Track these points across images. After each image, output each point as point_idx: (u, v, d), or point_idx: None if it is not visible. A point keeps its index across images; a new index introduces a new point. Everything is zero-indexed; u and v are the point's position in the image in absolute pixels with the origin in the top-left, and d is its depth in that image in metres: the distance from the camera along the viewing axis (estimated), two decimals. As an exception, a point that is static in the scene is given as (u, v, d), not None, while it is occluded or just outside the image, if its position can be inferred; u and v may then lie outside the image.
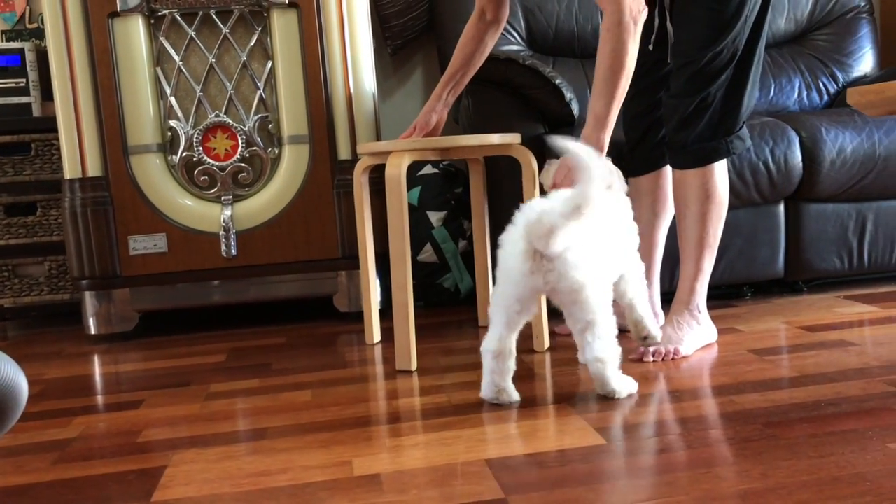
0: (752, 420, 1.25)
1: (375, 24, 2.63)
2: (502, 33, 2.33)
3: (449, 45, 2.44)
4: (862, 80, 2.60)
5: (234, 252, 2.17)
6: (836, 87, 2.62)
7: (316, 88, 2.16)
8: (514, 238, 1.36)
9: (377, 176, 2.04)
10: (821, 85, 2.61)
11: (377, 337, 1.98)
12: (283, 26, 2.14)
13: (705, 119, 1.60)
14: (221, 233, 2.16)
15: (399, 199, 1.62)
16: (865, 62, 2.66)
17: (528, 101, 2.02)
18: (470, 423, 1.33)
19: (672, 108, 1.67)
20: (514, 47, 2.46)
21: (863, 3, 2.71)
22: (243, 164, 2.18)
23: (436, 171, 2.41)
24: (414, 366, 1.69)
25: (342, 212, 2.19)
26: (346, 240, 2.20)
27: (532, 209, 1.35)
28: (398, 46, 2.69)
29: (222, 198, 2.18)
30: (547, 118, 2.05)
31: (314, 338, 2.10)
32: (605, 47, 1.50)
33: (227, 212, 2.17)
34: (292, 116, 2.17)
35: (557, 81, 1.99)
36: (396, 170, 1.63)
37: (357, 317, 2.16)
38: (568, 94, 2.01)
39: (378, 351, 1.90)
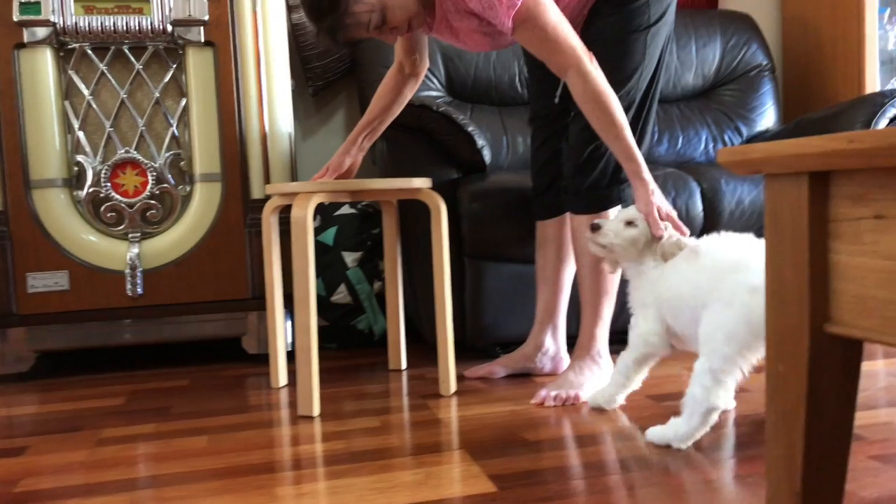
0: (648, 466, 1.27)
1: (297, 65, 2.64)
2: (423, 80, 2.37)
3: (369, 88, 2.46)
4: (763, 135, 2.73)
5: (140, 291, 2.12)
6: (740, 140, 2.74)
7: (230, 127, 2.14)
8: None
9: (289, 216, 2.03)
10: (726, 138, 2.73)
11: (283, 380, 1.95)
12: (198, 64, 2.12)
13: (599, 167, 1.66)
14: (127, 271, 2.10)
15: (304, 240, 1.61)
16: (768, 117, 2.79)
17: (441, 146, 2.05)
18: (365, 470, 1.32)
19: (569, 154, 1.72)
20: (434, 93, 2.50)
21: (766, 62, 2.85)
22: (153, 202, 2.13)
23: (353, 211, 2.41)
24: (316, 411, 1.66)
25: (253, 252, 2.16)
26: (256, 280, 2.17)
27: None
28: (320, 87, 2.69)
29: (129, 235, 2.12)
30: (460, 164, 2.08)
31: (219, 380, 2.05)
32: (590, 106, 1.56)
33: (135, 249, 2.11)
34: (205, 154, 2.14)
35: (469, 129, 2.02)
36: (303, 211, 1.62)
37: (266, 359, 2.12)
38: (480, 142, 2.04)
39: (283, 395, 1.86)
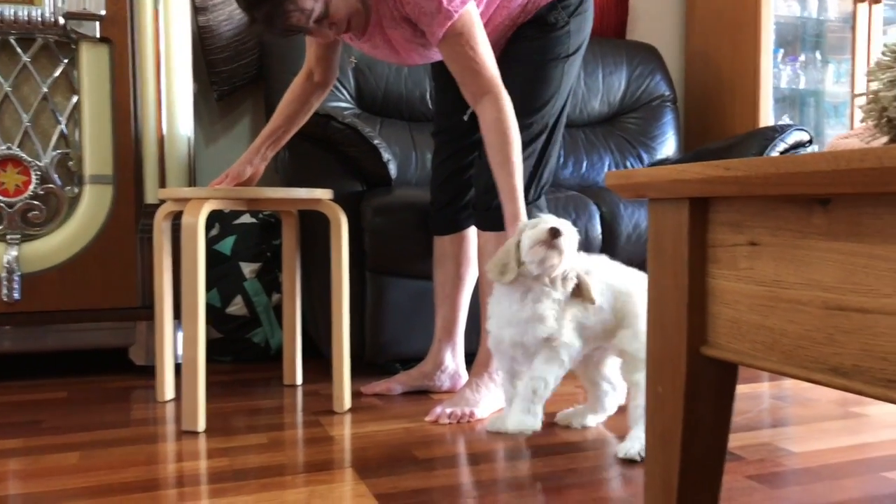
0: (535, 486, 1.27)
1: (202, 68, 2.56)
2: (332, 90, 2.34)
3: (277, 95, 2.40)
4: (665, 162, 2.82)
5: (16, 296, 1.99)
6: (641, 166, 2.82)
7: (124, 127, 2.05)
8: None
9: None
10: (628, 164, 2.80)
11: (170, 394, 1.86)
12: (92, 60, 2.03)
13: None
14: (3, 274, 1.97)
15: (194, 248, 1.55)
16: (668, 146, 2.89)
17: (346, 158, 2.02)
18: (248, 489, 1.26)
19: (480, 172, 1.72)
20: (343, 104, 2.47)
21: (668, 93, 2.96)
22: (35, 202, 2.01)
23: (254, 221, 2.34)
24: (202, 426, 1.59)
25: (145, 258, 2.07)
26: (146, 288, 2.07)
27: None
28: (225, 92, 2.62)
29: (8, 236, 1.99)
30: (365, 177, 2.05)
31: (101, 393, 1.94)
32: (496, 136, 1.55)
33: (13, 252, 1.99)
34: (96, 155, 2.04)
35: (375, 142, 2.00)
36: (194, 217, 1.56)
37: (154, 371, 2.03)
38: (386, 155, 2.02)
39: (169, 409, 1.78)
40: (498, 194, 1.60)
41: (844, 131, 3.13)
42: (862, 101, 0.76)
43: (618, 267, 1.52)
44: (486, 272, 1.52)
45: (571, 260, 1.42)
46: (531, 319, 1.44)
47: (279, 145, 1.85)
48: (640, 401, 1.43)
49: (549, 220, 1.43)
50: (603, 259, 1.53)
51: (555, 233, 1.40)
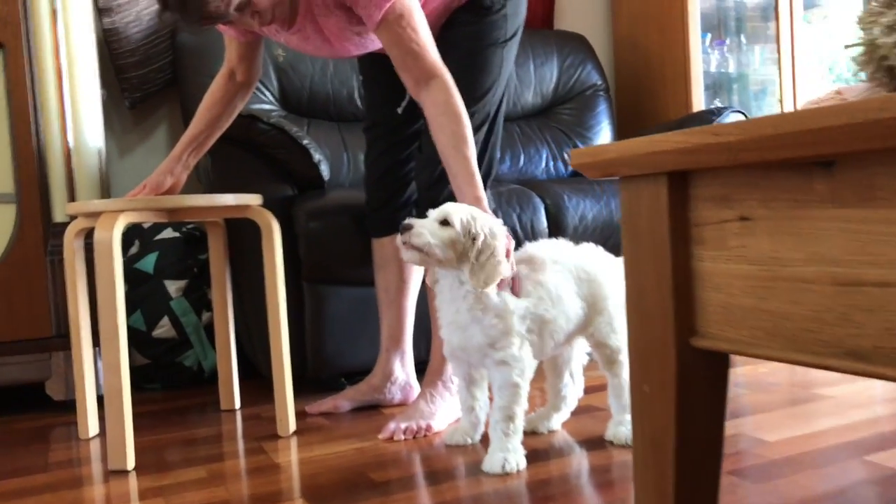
0: (507, 501, 1.16)
1: (110, 73, 2.38)
2: (254, 91, 2.19)
3: (193, 100, 2.24)
4: (602, 152, 2.77)
5: (-88, 334, 1.78)
6: (579, 157, 2.76)
7: (25, 140, 1.86)
8: None
9: (98, 241, 1.78)
10: (565, 156, 2.74)
11: (94, 430, 1.69)
12: (-17, 68, 1.83)
13: None
14: None
15: (110, 266, 1.39)
16: (604, 135, 2.84)
17: (274, 161, 1.88)
18: (186, 533, 1.12)
19: (422, 167, 1.62)
20: (266, 106, 2.32)
21: (600, 82, 2.91)
22: (-73, 228, 1.81)
23: (177, 234, 2.18)
24: (131, 464, 1.43)
25: (57, 282, 1.88)
26: (61, 315, 1.89)
27: None
28: (138, 99, 2.44)
29: None
30: (296, 180, 1.92)
31: (16, 434, 1.75)
32: (444, 119, 1.42)
33: None
34: (-5, 172, 1.85)
35: (305, 142, 1.87)
36: (108, 232, 1.40)
37: (75, 406, 1.85)
38: (316, 156, 1.90)
39: (94, 447, 1.61)
40: (445, 187, 1.50)
41: (773, 112, 3.15)
42: (853, 51, 0.69)
43: (582, 249, 1.43)
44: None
45: (437, 242, 1.28)
46: (465, 325, 1.34)
47: (201, 151, 1.70)
48: (626, 393, 1.38)
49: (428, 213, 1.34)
50: (563, 243, 1.43)
51: (402, 229, 1.30)
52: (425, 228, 1.29)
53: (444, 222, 1.30)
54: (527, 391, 1.33)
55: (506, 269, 1.30)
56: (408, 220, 1.30)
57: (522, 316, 1.32)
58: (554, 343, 1.38)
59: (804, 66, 3.14)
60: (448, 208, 1.33)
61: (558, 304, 1.35)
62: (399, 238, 1.30)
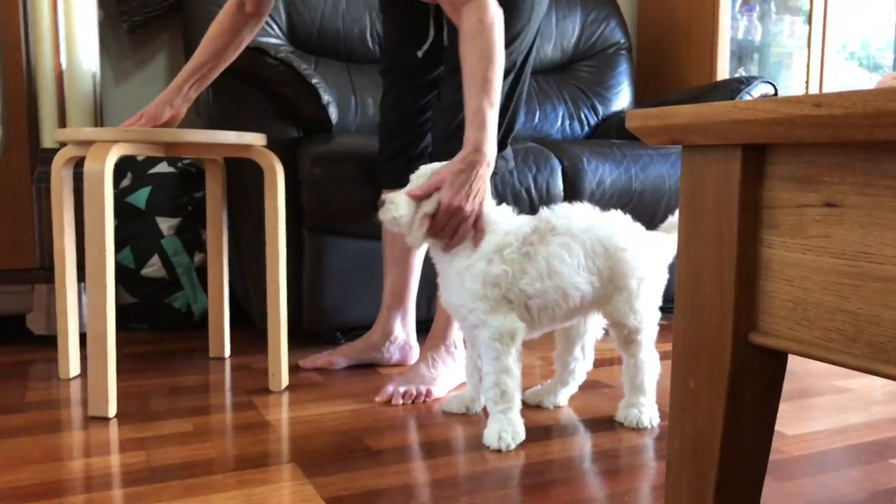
0: (505, 484, 1.09)
1: (108, -6, 2.24)
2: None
3: (197, 28, 2.11)
4: (619, 114, 2.65)
5: None
6: (596, 118, 2.65)
7: (14, 59, 1.73)
8: None
9: (88, 172, 1.67)
10: (582, 116, 2.63)
11: (75, 370, 1.61)
12: (-28, -25, 1.70)
13: None
14: None
15: (100, 200, 1.29)
16: (623, 97, 2.72)
17: (279, 99, 1.76)
18: (168, 492, 1.05)
19: (440, 116, 1.51)
20: (273, 40, 2.19)
21: (623, 41, 2.78)
22: None
23: (172, 170, 2.07)
24: (112, 411, 1.35)
25: (43, 212, 1.78)
26: (46, 247, 1.79)
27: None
28: (137, 23, 2.30)
29: None
30: (301, 121, 1.80)
31: (-8, 369, 1.67)
32: (474, 46, 1.30)
33: None
34: (-20, 89, 1.73)
35: (314, 81, 1.75)
36: (99, 164, 1.29)
37: (56, 341, 1.76)
38: (326, 97, 1.78)
39: (73, 388, 1.53)
40: (461, 139, 1.39)
41: (800, 86, 3.04)
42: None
43: (606, 218, 1.30)
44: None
45: (408, 216, 1.27)
46: (448, 281, 1.29)
47: (204, 84, 1.59)
48: (645, 375, 1.33)
49: (411, 180, 1.31)
50: (583, 209, 1.32)
51: (378, 203, 1.29)
52: (393, 203, 1.27)
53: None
54: (514, 360, 1.24)
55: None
56: (385, 195, 1.29)
57: (493, 283, 1.23)
58: (549, 318, 1.29)
59: (833, 42, 3.02)
60: (421, 173, 1.29)
61: (550, 278, 1.24)
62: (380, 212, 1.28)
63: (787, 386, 1.59)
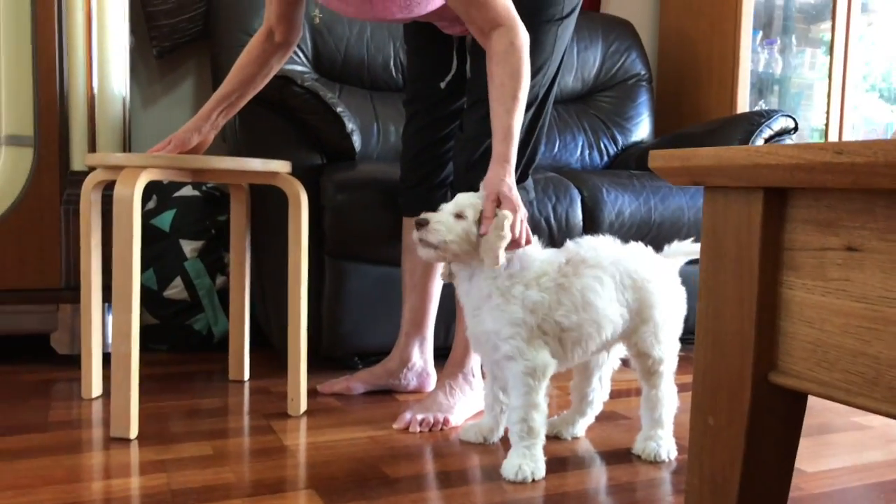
0: (522, 514, 1.10)
1: (140, 20, 2.29)
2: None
3: (225, 54, 2.16)
4: (639, 145, 2.67)
5: (-83, 273, 1.71)
6: (615, 149, 2.67)
7: (48, 83, 1.78)
8: None
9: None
10: (602, 145, 2.64)
11: (97, 390, 1.63)
12: (10, 4, 1.75)
13: None
14: None
15: (128, 224, 1.32)
16: (643, 128, 2.74)
17: (304, 127, 1.80)
18: (188, 517, 1.06)
19: (462, 147, 1.53)
20: (299, 68, 2.23)
21: (643, 72, 2.80)
22: (-59, 165, 1.73)
23: (196, 193, 2.10)
24: (133, 433, 1.37)
25: (70, 233, 1.81)
26: (72, 267, 1.82)
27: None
28: (166, 49, 2.35)
29: None
30: (325, 148, 1.83)
31: (17, 387, 1.69)
32: (505, 67, 1.34)
33: (-88, 222, 1.71)
34: (14, 113, 1.77)
35: (339, 109, 1.78)
36: (129, 189, 1.32)
37: (80, 361, 1.79)
38: (349, 125, 1.81)
39: (96, 408, 1.55)
40: (483, 170, 1.40)
41: (820, 118, 3.04)
42: None
43: (630, 251, 1.31)
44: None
45: (453, 238, 1.23)
46: (478, 308, 1.27)
47: (232, 112, 1.62)
48: (664, 408, 1.33)
49: (442, 207, 1.28)
50: (608, 242, 1.33)
51: (417, 225, 1.24)
52: (441, 224, 1.23)
53: (459, 216, 1.24)
54: (542, 395, 1.24)
55: (506, 240, 1.23)
56: (423, 215, 1.24)
57: (531, 309, 1.23)
58: (582, 351, 1.29)
59: (854, 74, 3.02)
60: (462, 200, 1.27)
61: (585, 310, 1.25)
62: (415, 234, 1.25)
63: (806, 421, 1.58)
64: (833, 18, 2.97)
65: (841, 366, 0.65)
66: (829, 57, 2.99)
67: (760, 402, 0.72)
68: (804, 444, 1.43)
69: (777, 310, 0.71)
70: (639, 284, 1.27)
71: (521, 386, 1.23)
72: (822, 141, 3.03)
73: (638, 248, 1.32)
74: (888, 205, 0.61)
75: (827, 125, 3.03)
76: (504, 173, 1.30)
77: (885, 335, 0.62)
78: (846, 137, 3.05)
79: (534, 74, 1.49)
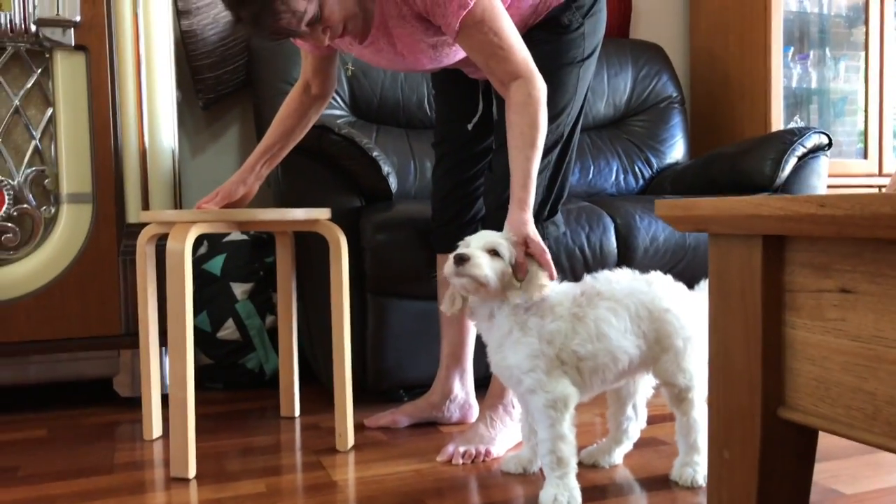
0: (560, 544, 1.14)
1: (186, 75, 2.42)
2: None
3: (266, 103, 2.27)
4: (674, 167, 2.69)
5: (-10, 326, 1.84)
6: (650, 171, 2.70)
7: (104, 141, 1.90)
8: None
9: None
10: (636, 169, 2.67)
11: (157, 431, 1.72)
12: (67, 70, 1.88)
13: None
14: (-25, 303, 1.83)
15: (181, 276, 1.41)
16: (677, 150, 2.76)
17: (343, 172, 1.88)
18: (245, 553, 1.13)
19: (491, 187, 1.59)
20: (337, 112, 2.33)
21: (676, 94, 2.83)
22: (9, 224, 1.86)
23: (244, 237, 2.20)
24: (192, 473, 1.45)
25: (128, 282, 1.92)
26: (131, 314, 1.93)
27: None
28: (211, 101, 2.48)
29: (-20, 262, 1.85)
30: (363, 191, 1.91)
31: (83, 430, 1.80)
32: (523, 117, 1.41)
33: (-15, 278, 1.84)
34: (74, 171, 1.89)
35: (374, 154, 1.86)
36: (180, 244, 1.41)
37: (141, 402, 1.89)
38: (385, 168, 1.89)
39: (157, 449, 1.64)
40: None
41: (859, 130, 3.02)
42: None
43: (649, 281, 1.35)
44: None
45: (492, 274, 1.28)
46: (500, 344, 1.32)
47: (275, 162, 1.71)
48: (698, 434, 1.36)
49: (469, 243, 1.31)
50: (626, 274, 1.38)
51: (457, 259, 1.28)
52: (482, 260, 1.28)
53: (493, 252, 1.29)
54: (568, 426, 1.27)
55: (545, 280, 1.30)
56: (462, 251, 1.29)
57: (549, 340, 1.28)
58: (601, 381, 1.33)
59: (891, 85, 3.00)
60: (491, 239, 1.32)
61: (600, 340, 1.29)
62: (452, 267, 1.28)
63: (844, 443, 1.58)
64: (866, 24, 2.96)
65: (842, 402, 0.69)
66: (864, 69, 2.97)
67: (771, 436, 0.75)
68: (843, 466, 1.44)
69: (782, 348, 0.75)
70: (656, 315, 1.31)
71: (545, 419, 1.27)
72: (863, 147, 3.02)
73: (657, 278, 1.36)
74: (876, 249, 0.65)
75: (866, 134, 3.01)
76: (527, 217, 1.37)
77: (879, 373, 0.65)
78: (887, 144, 3.02)
79: (558, 115, 1.55)
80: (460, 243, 1.34)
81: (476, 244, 1.31)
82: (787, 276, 0.74)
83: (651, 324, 1.31)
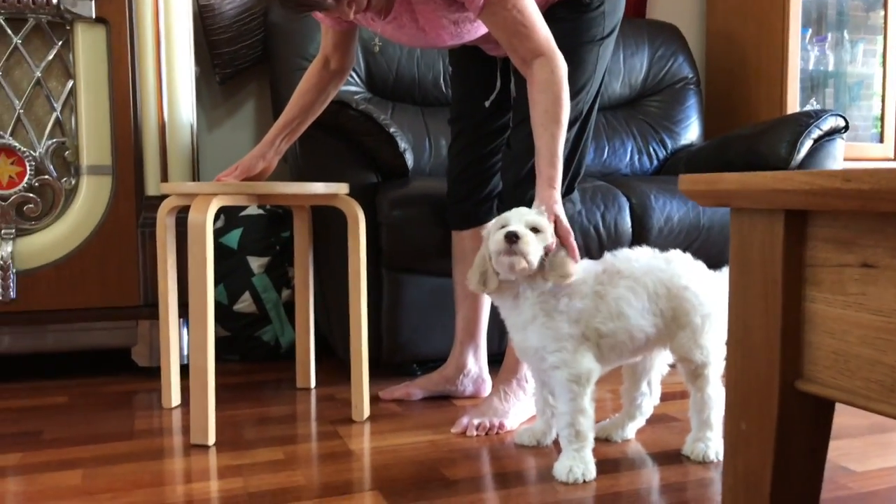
0: (574, 514, 1.16)
1: (203, 50, 2.43)
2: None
3: (283, 78, 2.28)
4: (688, 148, 2.69)
5: (12, 295, 1.87)
6: (665, 152, 2.70)
7: (124, 114, 1.92)
8: None
9: (187, 216, 1.83)
10: (651, 150, 2.68)
11: (176, 400, 1.75)
12: (88, 42, 1.89)
13: None
14: (-3, 272, 1.85)
15: (202, 248, 1.43)
16: (692, 131, 2.76)
17: (360, 148, 1.89)
18: (265, 517, 1.16)
19: (509, 164, 1.60)
20: (353, 89, 2.34)
21: (691, 75, 2.82)
22: (31, 195, 1.89)
23: (261, 212, 2.22)
24: (211, 440, 1.48)
25: (147, 254, 1.94)
26: (149, 285, 1.95)
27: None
28: (228, 75, 2.48)
29: (2, 231, 1.87)
30: (380, 167, 1.93)
31: (103, 398, 1.83)
32: (547, 95, 1.41)
33: (8, 248, 1.86)
34: (94, 144, 1.91)
35: (392, 130, 1.87)
36: (201, 215, 1.43)
37: (159, 372, 1.92)
38: (402, 144, 1.90)
39: (175, 417, 1.67)
40: (531, 186, 1.47)
41: (876, 113, 3.01)
42: None
43: (666, 259, 1.36)
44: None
45: (537, 254, 1.28)
46: (524, 326, 1.34)
47: (294, 137, 1.73)
48: (712, 410, 1.37)
49: (510, 220, 1.30)
50: (645, 252, 1.39)
51: (510, 238, 1.26)
52: (531, 238, 1.27)
53: (535, 230, 1.29)
54: (589, 400, 1.30)
55: (572, 269, 1.30)
56: (513, 228, 1.27)
57: (576, 319, 1.30)
58: (617, 356, 1.35)
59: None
60: (535, 218, 1.31)
61: (619, 319, 1.31)
62: (503, 245, 1.27)
63: (856, 421, 1.60)
64: (885, 7, 2.94)
65: (861, 374, 0.70)
66: (882, 52, 2.95)
67: (788, 408, 0.77)
68: (854, 445, 1.45)
69: (801, 322, 0.76)
70: (674, 293, 1.32)
71: (566, 392, 1.29)
72: (879, 131, 3.01)
73: (676, 256, 1.37)
74: (898, 225, 0.66)
75: (882, 118, 3.00)
76: (557, 195, 1.38)
77: (899, 346, 0.67)
78: (903, 129, 3.01)
79: (577, 93, 1.56)
80: (498, 218, 1.33)
81: (518, 221, 1.30)
82: (808, 251, 0.75)
83: (669, 301, 1.33)
